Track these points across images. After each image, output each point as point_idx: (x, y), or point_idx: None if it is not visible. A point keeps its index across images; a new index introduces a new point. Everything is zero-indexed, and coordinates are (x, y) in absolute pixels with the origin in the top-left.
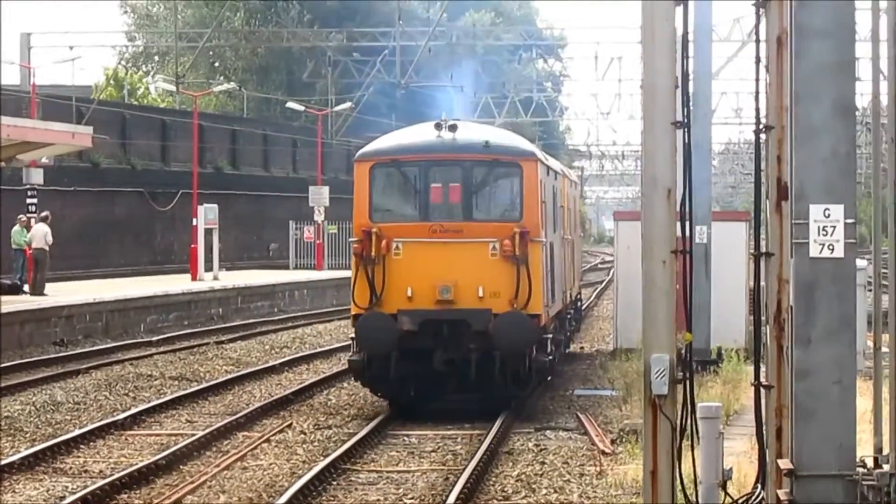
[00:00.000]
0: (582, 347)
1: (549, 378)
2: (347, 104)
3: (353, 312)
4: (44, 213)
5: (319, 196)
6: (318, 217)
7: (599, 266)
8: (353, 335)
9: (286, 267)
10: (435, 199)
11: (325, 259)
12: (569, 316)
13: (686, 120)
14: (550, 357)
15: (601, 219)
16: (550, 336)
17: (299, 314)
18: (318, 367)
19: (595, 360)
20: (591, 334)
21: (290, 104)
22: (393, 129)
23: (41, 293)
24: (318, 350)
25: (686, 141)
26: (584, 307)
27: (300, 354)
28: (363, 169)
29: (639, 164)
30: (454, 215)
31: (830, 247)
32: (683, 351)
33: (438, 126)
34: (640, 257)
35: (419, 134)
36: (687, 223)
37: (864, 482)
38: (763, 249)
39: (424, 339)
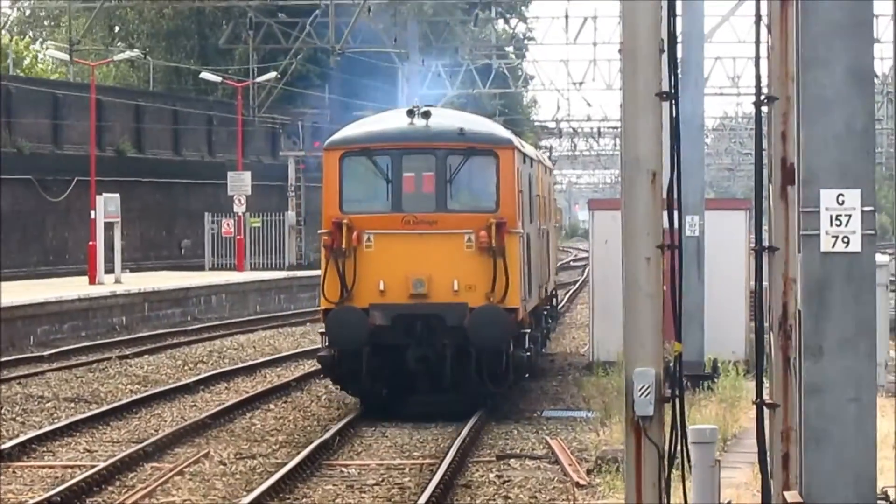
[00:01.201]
0: (552, 360)
1: (527, 375)
2: (272, 74)
3: (322, 307)
4: None
5: (240, 183)
6: (239, 208)
7: (572, 264)
8: (322, 330)
9: (201, 268)
10: (408, 188)
11: (247, 258)
12: (545, 312)
13: (674, 90)
14: (528, 353)
15: (573, 208)
16: (528, 331)
17: (217, 323)
18: (239, 385)
19: (567, 376)
20: (562, 344)
21: (205, 75)
22: (325, 103)
23: None
24: (240, 366)
25: (674, 115)
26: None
27: (218, 371)
28: (333, 158)
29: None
30: (428, 206)
31: (845, 239)
32: (672, 364)
33: (411, 113)
34: (620, 253)
35: (391, 121)
36: (675, 213)
37: None
38: (765, 243)
39: (397, 335)
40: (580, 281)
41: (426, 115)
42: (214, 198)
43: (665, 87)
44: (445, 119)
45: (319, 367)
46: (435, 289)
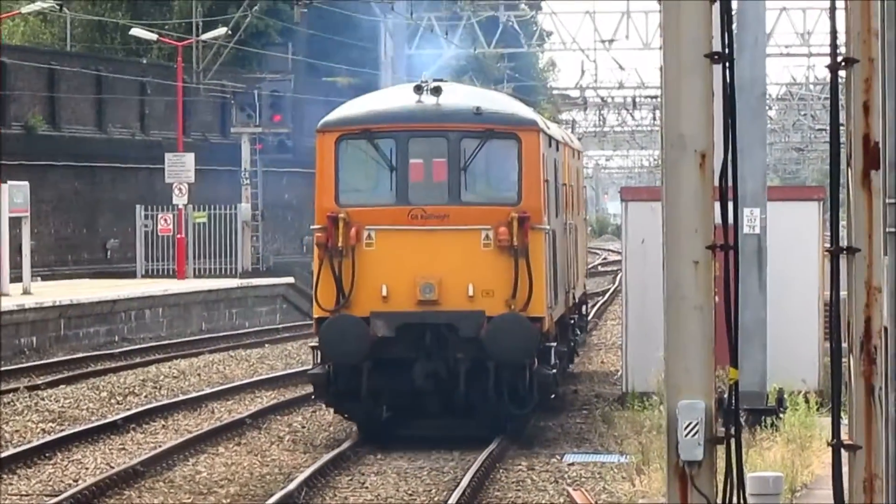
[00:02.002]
0: (576, 390)
1: (552, 396)
2: (221, 30)
3: (315, 316)
4: None
5: (180, 168)
6: (179, 199)
7: (600, 269)
8: (314, 343)
9: (132, 274)
10: (415, 177)
11: (189, 263)
12: (572, 322)
13: (728, 50)
14: (554, 370)
15: (602, 198)
16: (554, 345)
17: (152, 345)
18: (180, 423)
19: (595, 410)
20: (588, 370)
21: (136, 31)
22: (288, 66)
23: None
24: (180, 399)
25: (728, 81)
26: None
27: (153, 405)
28: (328, 141)
29: (658, 116)
30: (438, 197)
31: None
32: (727, 395)
33: (419, 89)
34: (661, 256)
35: (396, 99)
36: (731, 204)
37: None
38: (844, 243)
39: (403, 348)
40: (611, 290)
41: (436, 91)
42: (148, 186)
43: (717, 47)
44: (459, 96)
45: (311, 386)
46: (446, 294)
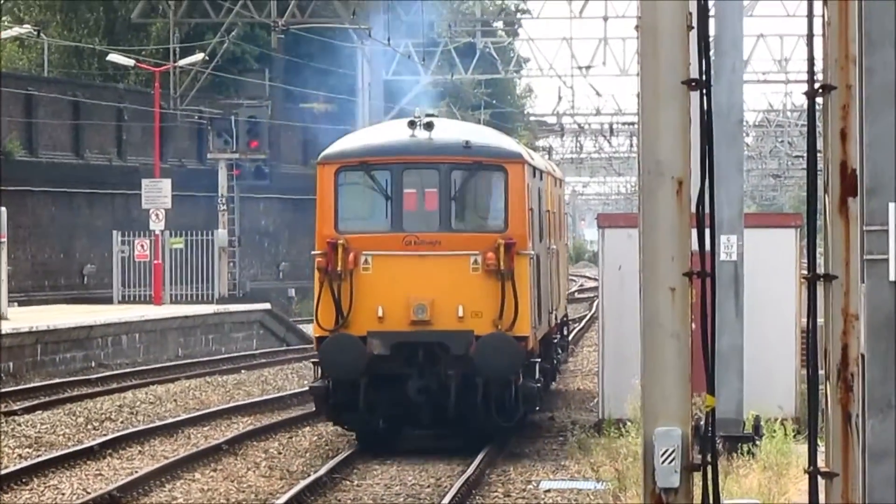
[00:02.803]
0: (552, 417)
1: (536, 408)
2: (198, 56)
3: (316, 335)
4: None
5: (157, 193)
6: (156, 225)
7: (577, 295)
8: (315, 360)
9: (109, 300)
10: (409, 206)
11: (166, 288)
12: (555, 341)
13: (705, 77)
14: (538, 385)
15: (579, 225)
16: (538, 360)
17: (128, 371)
18: (156, 449)
19: (571, 437)
20: (565, 397)
21: (113, 57)
22: (265, 91)
23: None
24: (156, 424)
25: (706, 108)
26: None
27: (130, 431)
28: (328, 172)
29: (635, 142)
30: (431, 225)
31: None
32: (703, 422)
33: (412, 124)
34: (638, 282)
35: (391, 133)
36: (707, 231)
37: None
38: (820, 270)
39: (397, 365)
40: (587, 317)
41: (429, 126)
42: (125, 212)
43: (694, 73)
44: (450, 131)
45: (312, 399)
46: (438, 315)
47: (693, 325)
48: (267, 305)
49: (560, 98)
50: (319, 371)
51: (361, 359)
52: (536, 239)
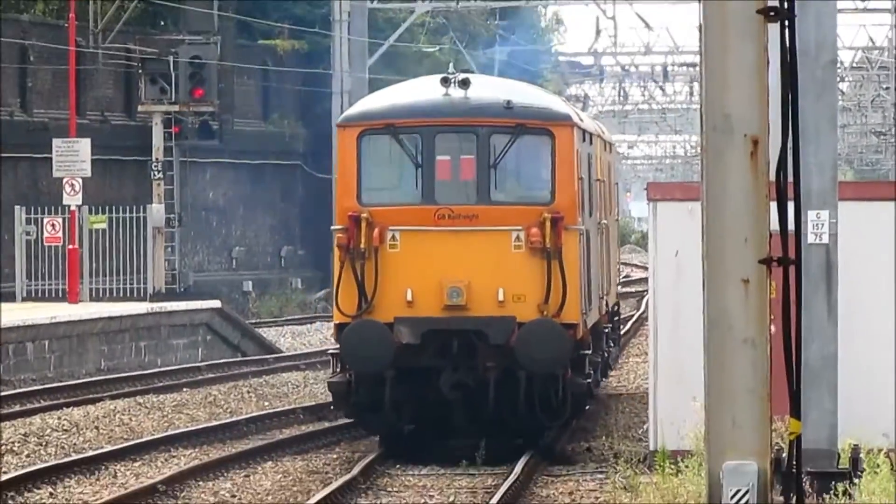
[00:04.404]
0: (588, 448)
1: (587, 407)
2: None
3: (336, 321)
4: None
5: (73, 157)
6: (72, 199)
7: (621, 289)
8: (333, 350)
9: (10, 297)
10: (442, 175)
11: (84, 281)
12: (606, 331)
13: (788, 5)
14: (588, 380)
15: (624, 197)
16: (588, 353)
17: (36, 388)
18: (72, 491)
19: (614, 473)
20: (607, 422)
21: None
22: (214, 24)
23: None
24: (73, 458)
25: (788, 46)
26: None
27: (38, 467)
28: (349, 137)
29: (696, 90)
30: (467, 197)
31: None
32: (785, 454)
33: (446, 81)
34: (701, 273)
35: (421, 92)
36: (791, 205)
37: None
38: None
39: (428, 356)
40: (634, 317)
41: (465, 83)
42: (31, 182)
43: (774, 1)
44: (488, 89)
45: (330, 396)
46: (475, 299)
47: (772, 329)
48: (216, 303)
49: (599, 32)
50: (339, 364)
51: (388, 349)
52: (586, 213)
